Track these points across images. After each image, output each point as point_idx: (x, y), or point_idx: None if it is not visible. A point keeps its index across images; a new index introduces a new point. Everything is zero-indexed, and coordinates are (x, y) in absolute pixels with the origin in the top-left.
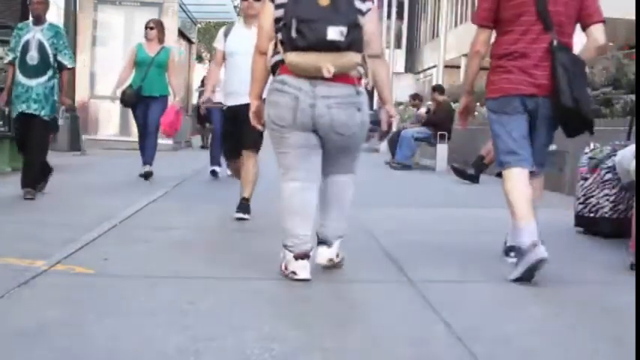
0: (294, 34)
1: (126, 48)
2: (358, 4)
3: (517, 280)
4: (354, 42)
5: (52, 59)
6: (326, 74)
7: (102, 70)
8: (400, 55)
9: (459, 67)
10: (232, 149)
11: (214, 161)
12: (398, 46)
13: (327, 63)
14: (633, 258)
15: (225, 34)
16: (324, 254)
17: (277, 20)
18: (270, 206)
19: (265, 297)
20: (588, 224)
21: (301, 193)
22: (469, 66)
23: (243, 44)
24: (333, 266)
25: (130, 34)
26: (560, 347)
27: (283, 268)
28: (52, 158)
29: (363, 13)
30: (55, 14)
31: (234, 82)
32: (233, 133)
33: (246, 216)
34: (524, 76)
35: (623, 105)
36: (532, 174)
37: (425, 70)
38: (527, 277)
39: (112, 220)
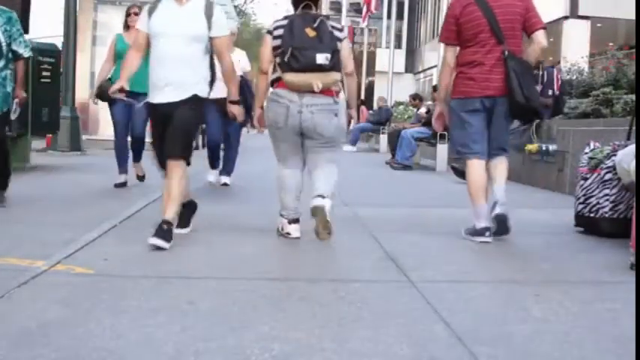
0: (290, 58)
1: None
2: (337, 34)
3: (493, 232)
4: (335, 64)
5: (5, 48)
6: (316, 89)
7: None
8: (400, 55)
9: None
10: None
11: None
12: (398, 46)
13: (317, 80)
14: (634, 258)
15: (150, 13)
16: (323, 203)
17: (275, 48)
18: (271, 207)
19: (265, 297)
20: (588, 224)
21: (291, 178)
22: (442, 78)
23: (172, 25)
24: (326, 229)
25: None
26: (560, 347)
27: (280, 229)
28: (52, 158)
29: (341, 40)
30: (55, 14)
31: (160, 74)
32: (163, 137)
33: (164, 245)
34: (482, 80)
35: (623, 105)
36: (495, 156)
37: (425, 70)
38: (499, 231)
39: (112, 220)
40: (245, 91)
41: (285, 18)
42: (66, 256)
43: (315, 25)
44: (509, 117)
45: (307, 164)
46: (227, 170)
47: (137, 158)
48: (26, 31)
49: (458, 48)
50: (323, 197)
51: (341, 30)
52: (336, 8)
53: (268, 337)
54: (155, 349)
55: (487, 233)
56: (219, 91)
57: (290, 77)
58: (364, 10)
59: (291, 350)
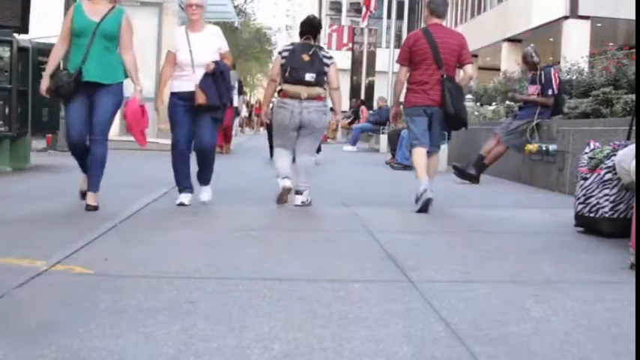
0: (288, 74)
1: None
2: (325, 61)
3: (418, 211)
4: (319, 82)
5: None
6: (303, 97)
7: None
8: None
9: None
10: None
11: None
12: (398, 46)
13: (304, 91)
14: (634, 258)
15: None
16: (299, 198)
17: (281, 65)
18: (271, 208)
19: (265, 297)
20: (588, 224)
21: (285, 156)
22: (395, 88)
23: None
24: (305, 205)
25: None
26: (560, 347)
27: (277, 195)
28: (52, 158)
29: (328, 66)
30: (57, 15)
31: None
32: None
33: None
34: (425, 95)
35: (623, 105)
36: (431, 153)
37: None
38: (423, 209)
39: (112, 220)
40: (219, 83)
41: (292, 44)
42: (66, 256)
43: (310, 52)
44: (442, 123)
45: (296, 147)
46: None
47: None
48: (26, 31)
49: (408, 68)
50: (299, 193)
51: (330, 58)
52: (336, 8)
53: (268, 337)
54: (155, 349)
55: (424, 190)
56: (185, 86)
57: (286, 87)
58: (364, 10)
59: (291, 350)
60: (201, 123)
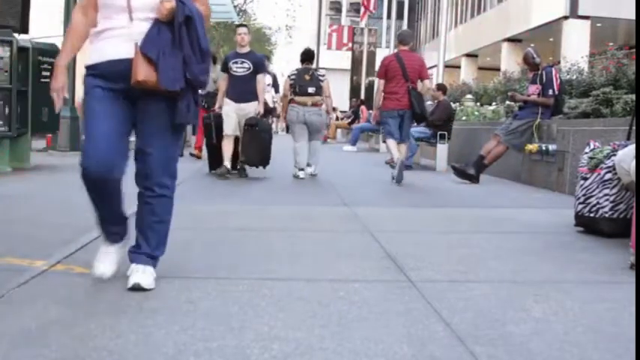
0: (296, 90)
1: None
2: (320, 78)
3: (396, 181)
4: (317, 93)
5: None
6: (308, 104)
7: None
8: None
9: (459, 67)
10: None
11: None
12: None
13: (308, 100)
14: (634, 258)
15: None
16: (309, 170)
17: (290, 85)
18: (271, 206)
19: (265, 297)
20: (588, 224)
21: (300, 148)
22: (376, 96)
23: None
24: (313, 175)
25: None
26: (560, 347)
27: (294, 175)
28: (52, 158)
29: (322, 81)
30: (55, 14)
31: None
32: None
33: None
34: (397, 101)
35: (623, 105)
36: (400, 142)
37: None
38: (398, 180)
39: None
40: (184, 43)
41: (297, 70)
42: (66, 256)
43: (309, 74)
44: (411, 120)
45: (309, 137)
46: None
47: None
48: (26, 31)
49: (384, 81)
50: (310, 165)
51: (323, 76)
52: (336, 8)
53: (268, 337)
54: (155, 349)
55: (394, 160)
56: (114, 50)
57: (297, 98)
58: (362, 10)
59: (291, 350)
60: (145, 129)
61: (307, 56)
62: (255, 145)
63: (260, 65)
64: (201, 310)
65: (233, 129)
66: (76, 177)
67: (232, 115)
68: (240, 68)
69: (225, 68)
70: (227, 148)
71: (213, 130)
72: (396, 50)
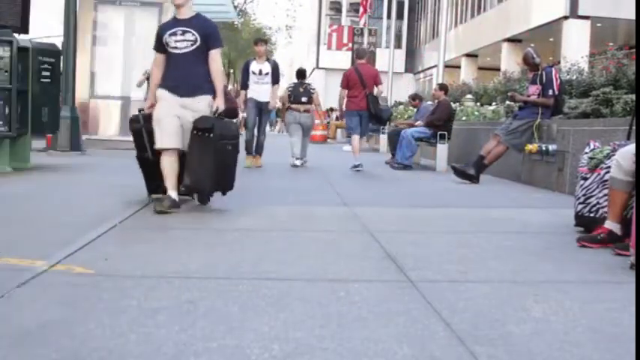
0: (293, 99)
1: (126, 48)
2: (311, 90)
3: (355, 169)
4: (309, 101)
5: None
6: (301, 110)
7: (102, 70)
8: (400, 55)
9: (459, 67)
10: None
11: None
12: (398, 46)
13: (301, 107)
14: (634, 258)
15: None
16: (299, 162)
17: (288, 95)
18: (271, 206)
19: (265, 297)
20: (588, 224)
21: (295, 142)
22: (340, 101)
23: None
24: (304, 165)
25: (130, 34)
26: (560, 347)
27: (291, 164)
28: (52, 158)
29: (312, 93)
30: (55, 14)
31: None
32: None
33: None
34: (357, 104)
35: (623, 105)
36: (360, 137)
37: (425, 70)
38: (357, 169)
39: (112, 220)
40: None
41: (294, 83)
42: (66, 256)
43: (303, 87)
44: (368, 120)
45: (301, 135)
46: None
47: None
48: (26, 31)
49: (347, 90)
50: (300, 159)
51: (313, 89)
52: (336, 8)
53: (268, 337)
54: (155, 349)
55: (358, 164)
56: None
57: (293, 105)
58: (360, 10)
59: (291, 350)
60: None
61: (301, 74)
62: (208, 160)
63: (212, 37)
64: (201, 310)
65: (173, 139)
66: (76, 177)
67: (170, 115)
68: (182, 42)
69: (160, 44)
70: (168, 169)
71: (145, 137)
72: (354, 66)
